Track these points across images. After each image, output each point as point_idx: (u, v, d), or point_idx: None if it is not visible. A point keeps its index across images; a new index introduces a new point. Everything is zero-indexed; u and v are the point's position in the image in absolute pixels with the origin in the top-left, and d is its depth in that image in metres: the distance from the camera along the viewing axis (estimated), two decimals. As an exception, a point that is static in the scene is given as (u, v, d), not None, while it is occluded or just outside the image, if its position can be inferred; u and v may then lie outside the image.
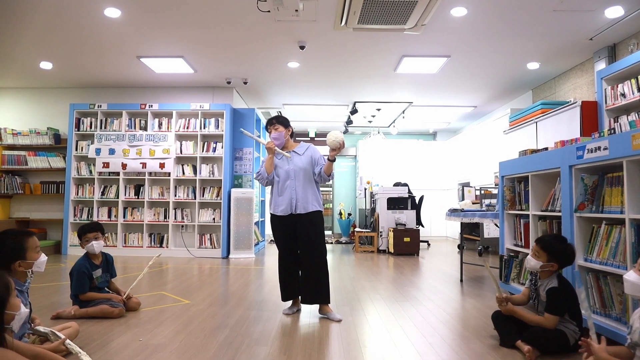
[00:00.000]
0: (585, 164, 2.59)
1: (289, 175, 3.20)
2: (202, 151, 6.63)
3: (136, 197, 6.60)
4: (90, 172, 6.66)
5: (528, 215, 3.27)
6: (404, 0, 3.78)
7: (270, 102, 7.98)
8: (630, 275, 1.87)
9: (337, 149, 3.08)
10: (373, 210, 7.81)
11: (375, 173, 9.63)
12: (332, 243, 8.74)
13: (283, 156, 3.24)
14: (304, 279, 3.13)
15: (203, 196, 6.58)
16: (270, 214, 3.27)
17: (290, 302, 3.29)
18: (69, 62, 5.83)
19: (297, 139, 11.38)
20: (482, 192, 6.10)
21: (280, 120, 3.31)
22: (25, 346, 1.89)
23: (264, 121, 8.06)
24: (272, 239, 3.36)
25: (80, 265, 3.12)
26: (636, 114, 4.26)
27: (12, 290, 1.71)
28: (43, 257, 2.23)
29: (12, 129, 6.78)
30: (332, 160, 3.14)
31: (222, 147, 6.58)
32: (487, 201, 4.91)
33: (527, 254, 3.25)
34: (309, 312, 3.20)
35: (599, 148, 2.43)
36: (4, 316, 1.64)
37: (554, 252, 2.41)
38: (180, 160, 6.71)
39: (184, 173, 6.63)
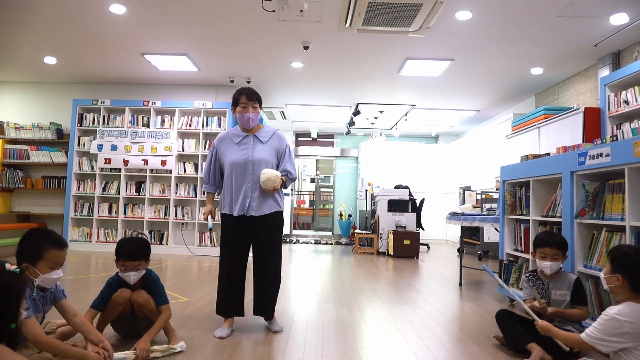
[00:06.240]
0: (586, 170, 2.59)
1: (247, 167, 2.68)
2: (204, 149, 6.63)
3: (137, 193, 6.61)
4: (92, 167, 6.67)
5: (528, 220, 3.27)
6: (409, 3, 3.78)
7: (273, 102, 7.98)
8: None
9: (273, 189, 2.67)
10: (373, 212, 7.81)
11: (376, 175, 9.62)
12: (332, 244, 8.74)
13: (242, 140, 2.75)
14: (259, 290, 2.74)
15: (204, 194, 6.57)
16: (221, 212, 2.76)
17: (222, 320, 2.75)
18: (73, 58, 5.84)
19: (299, 139, 11.51)
20: (483, 196, 6.09)
21: (259, 98, 2.78)
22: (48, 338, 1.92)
23: (266, 120, 8.05)
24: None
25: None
26: (639, 122, 4.25)
27: (26, 289, 1.68)
28: (55, 274, 1.99)
29: (15, 123, 6.79)
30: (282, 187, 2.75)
31: (224, 146, 6.57)
32: (487, 205, 4.90)
33: (527, 259, 3.27)
34: (307, 312, 3.20)
35: (601, 155, 2.43)
36: (8, 309, 1.61)
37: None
38: (182, 158, 6.72)
39: (185, 171, 6.64)
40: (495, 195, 6.04)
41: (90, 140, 6.67)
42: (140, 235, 2.45)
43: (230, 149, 2.74)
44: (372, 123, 9.47)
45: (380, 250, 7.10)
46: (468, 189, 7.80)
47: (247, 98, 2.72)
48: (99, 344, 2.07)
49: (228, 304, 2.70)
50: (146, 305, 2.36)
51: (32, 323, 1.87)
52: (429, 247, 8.22)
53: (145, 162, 6.54)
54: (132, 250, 2.34)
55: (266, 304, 2.74)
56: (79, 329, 2.12)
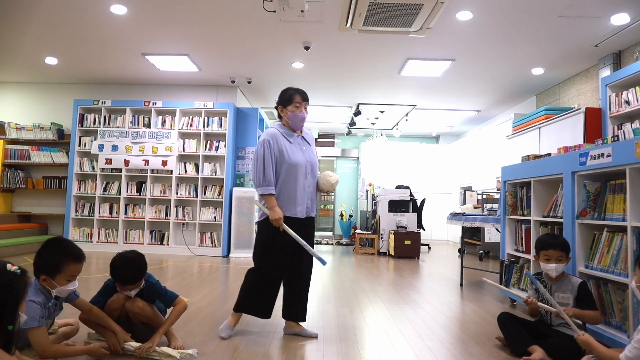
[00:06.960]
0: (588, 170, 2.58)
1: (307, 169, 2.68)
2: (205, 149, 6.63)
3: (138, 194, 6.61)
4: (93, 168, 6.68)
5: (529, 220, 3.26)
6: (410, 4, 3.78)
7: (274, 102, 7.97)
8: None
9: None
10: (374, 212, 7.81)
11: (377, 175, 9.62)
12: (332, 244, 8.74)
13: (295, 140, 2.72)
14: (295, 292, 2.69)
15: (205, 194, 6.59)
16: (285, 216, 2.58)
17: (226, 321, 2.68)
18: (74, 58, 5.85)
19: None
20: (484, 196, 6.09)
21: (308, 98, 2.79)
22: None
23: (267, 121, 8.05)
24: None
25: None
26: (640, 122, 4.25)
27: (27, 291, 1.68)
28: (72, 286, 2.02)
29: (16, 124, 6.80)
30: None
31: (224, 146, 6.59)
32: (488, 206, 4.89)
33: (528, 259, 3.26)
34: (308, 312, 3.19)
35: (602, 155, 2.42)
36: (6, 311, 1.59)
37: None
38: (183, 158, 6.72)
39: (186, 171, 6.64)
40: (496, 196, 6.04)
41: (91, 141, 6.68)
42: (132, 252, 2.35)
43: (289, 149, 2.65)
44: (373, 123, 9.47)
45: (381, 250, 7.09)
46: (469, 189, 7.79)
47: (301, 98, 2.72)
48: (117, 334, 2.17)
49: (269, 306, 2.63)
50: (142, 313, 2.32)
51: (41, 333, 1.87)
52: (429, 248, 8.21)
53: (146, 162, 6.54)
54: (129, 274, 2.27)
55: (305, 305, 2.72)
56: (98, 321, 2.20)
